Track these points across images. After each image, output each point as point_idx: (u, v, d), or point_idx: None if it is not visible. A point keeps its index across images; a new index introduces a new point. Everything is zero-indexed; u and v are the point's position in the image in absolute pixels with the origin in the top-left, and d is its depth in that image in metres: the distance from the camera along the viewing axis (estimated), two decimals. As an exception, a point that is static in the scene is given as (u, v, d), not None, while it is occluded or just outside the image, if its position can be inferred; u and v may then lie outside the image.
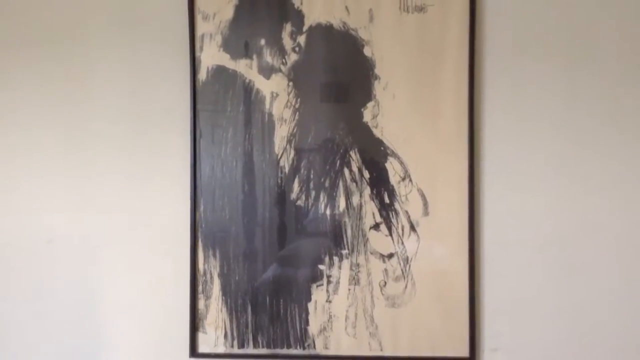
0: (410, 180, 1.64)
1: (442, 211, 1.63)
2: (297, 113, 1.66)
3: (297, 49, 1.65)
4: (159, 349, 1.72)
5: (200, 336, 1.69)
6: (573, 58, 1.63)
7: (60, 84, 1.71)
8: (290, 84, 1.66)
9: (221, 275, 1.68)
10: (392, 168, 1.64)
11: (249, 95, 1.67)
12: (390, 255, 1.65)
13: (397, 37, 1.63)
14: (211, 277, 1.68)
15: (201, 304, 1.69)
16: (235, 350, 1.68)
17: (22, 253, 1.74)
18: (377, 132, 1.64)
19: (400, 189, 1.64)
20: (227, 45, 1.67)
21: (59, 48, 1.71)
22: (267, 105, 1.66)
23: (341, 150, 1.65)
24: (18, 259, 1.74)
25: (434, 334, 1.64)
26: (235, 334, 1.68)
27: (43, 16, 1.72)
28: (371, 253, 1.65)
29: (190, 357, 1.69)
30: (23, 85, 1.72)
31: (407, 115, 1.63)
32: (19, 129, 1.73)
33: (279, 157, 1.67)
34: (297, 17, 1.65)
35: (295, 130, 1.66)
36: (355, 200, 1.65)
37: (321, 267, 1.66)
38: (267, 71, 1.66)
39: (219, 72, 1.67)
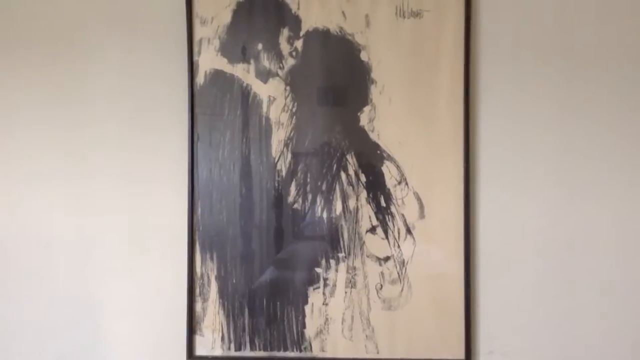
0: (406, 183, 1.65)
1: (438, 214, 1.64)
2: (294, 117, 1.67)
3: (294, 53, 1.67)
4: (156, 352, 1.72)
5: (198, 339, 1.69)
6: (567, 63, 1.64)
7: (59, 87, 1.72)
8: (288, 88, 1.67)
9: (218, 278, 1.69)
10: (389, 171, 1.65)
11: (246, 99, 1.68)
12: (387, 259, 1.66)
13: (394, 42, 1.64)
14: (208, 280, 1.69)
15: (198, 306, 1.69)
16: (233, 353, 1.69)
17: (20, 255, 1.74)
18: (373, 136, 1.65)
19: (397, 193, 1.65)
20: (225, 50, 1.68)
21: (58, 51, 1.72)
22: (265, 109, 1.67)
23: (338, 154, 1.66)
24: (16, 261, 1.74)
25: (430, 336, 1.65)
26: (232, 337, 1.69)
27: (42, 20, 1.73)
28: (367, 256, 1.66)
29: (187, 359, 1.69)
30: (22, 89, 1.73)
31: (403, 119, 1.64)
32: (17, 131, 1.74)
33: (276, 160, 1.67)
34: (294, 22, 1.66)
35: (292, 134, 1.67)
36: (351, 203, 1.66)
37: (318, 270, 1.67)
38: (264, 75, 1.67)
39: (217, 76, 1.68)
